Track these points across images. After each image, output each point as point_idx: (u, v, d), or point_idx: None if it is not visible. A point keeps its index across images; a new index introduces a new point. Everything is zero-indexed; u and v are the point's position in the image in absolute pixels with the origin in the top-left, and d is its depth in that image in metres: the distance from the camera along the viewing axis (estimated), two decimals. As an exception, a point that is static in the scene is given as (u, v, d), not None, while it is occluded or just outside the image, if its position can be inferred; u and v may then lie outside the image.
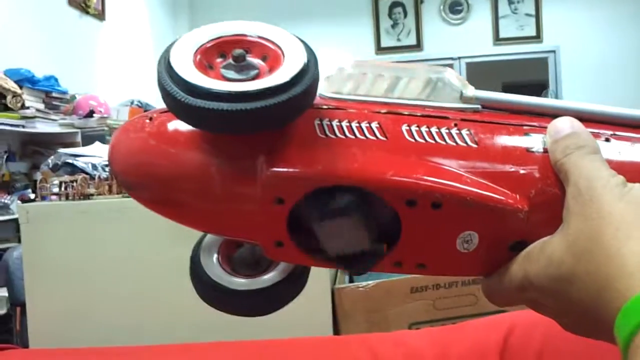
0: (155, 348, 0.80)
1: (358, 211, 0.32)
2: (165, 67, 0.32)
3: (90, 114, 2.68)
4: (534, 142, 0.33)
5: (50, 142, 2.55)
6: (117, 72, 3.77)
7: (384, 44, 4.94)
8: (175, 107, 0.31)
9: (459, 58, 4.96)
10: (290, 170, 0.31)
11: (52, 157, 1.38)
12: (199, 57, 0.32)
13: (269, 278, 0.39)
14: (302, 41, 0.33)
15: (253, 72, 0.32)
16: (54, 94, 2.57)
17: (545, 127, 0.33)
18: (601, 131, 0.34)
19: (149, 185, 0.35)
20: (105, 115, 2.73)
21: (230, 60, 0.32)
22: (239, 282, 0.39)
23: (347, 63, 0.36)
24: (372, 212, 0.32)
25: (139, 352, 0.79)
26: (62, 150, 1.43)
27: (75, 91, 2.80)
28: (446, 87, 0.35)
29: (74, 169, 1.33)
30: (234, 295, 0.38)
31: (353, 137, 0.32)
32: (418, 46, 4.92)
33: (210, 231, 0.39)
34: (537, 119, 0.34)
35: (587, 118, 0.34)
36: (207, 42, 0.33)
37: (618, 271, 0.26)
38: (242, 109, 0.30)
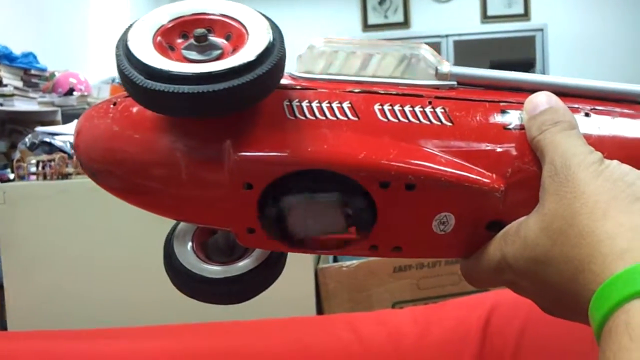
0: (136, 330, 0.80)
1: (330, 195, 0.31)
2: (124, 50, 0.30)
3: (70, 91, 2.62)
4: (511, 118, 0.32)
5: (29, 120, 2.49)
6: (97, 49, 3.69)
7: (370, 21, 4.89)
8: (135, 92, 0.30)
9: (447, 36, 4.93)
10: (258, 154, 0.30)
11: (29, 135, 1.35)
12: (159, 38, 0.31)
13: (243, 265, 0.37)
14: (267, 18, 0.32)
15: (216, 52, 0.31)
16: (32, 72, 2.50)
17: (523, 103, 0.32)
18: (580, 106, 0.33)
19: (114, 172, 0.33)
20: (85, 93, 2.68)
21: (192, 41, 0.31)
22: (214, 270, 0.37)
23: (318, 41, 0.34)
24: (346, 196, 0.31)
25: (119, 334, 0.78)
26: (39, 128, 1.40)
27: (54, 68, 2.73)
28: (421, 63, 0.34)
29: (52, 148, 1.30)
30: (209, 283, 0.37)
31: (324, 118, 0.31)
32: (405, 24, 4.88)
33: (179, 218, 0.37)
34: (515, 94, 0.33)
35: (566, 92, 0.33)
36: (167, 22, 0.32)
37: (593, 253, 0.25)
38: (204, 92, 0.28)
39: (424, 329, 0.73)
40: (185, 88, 0.28)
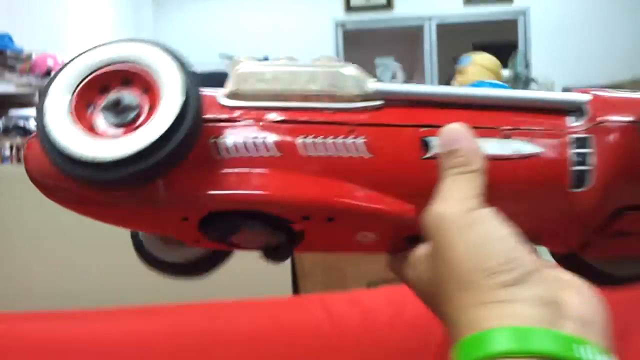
0: (111, 312, 0.80)
1: (259, 222, 0.33)
2: (40, 123, 0.31)
3: (48, 73, 2.57)
4: (428, 146, 0.33)
5: (6, 102, 2.45)
6: (75, 30, 3.62)
7: (353, 3, 4.85)
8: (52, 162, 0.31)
9: (430, 19, 4.92)
10: (186, 194, 0.32)
11: (3, 119, 1.33)
12: (76, 98, 0.31)
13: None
14: (178, 59, 0.32)
15: (132, 114, 0.31)
16: (8, 53, 2.45)
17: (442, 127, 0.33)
18: (504, 125, 0.33)
19: (60, 192, 0.34)
20: (64, 75, 2.63)
21: (107, 103, 0.31)
22: (175, 255, 0.40)
23: (245, 64, 0.34)
24: (274, 222, 0.33)
25: (96, 315, 0.78)
26: (13, 112, 1.38)
27: (31, 49, 2.68)
28: (346, 83, 0.34)
29: (26, 132, 1.28)
30: (173, 266, 0.40)
31: (247, 155, 0.32)
32: (389, 5, 4.85)
33: (130, 229, 0.39)
34: (440, 113, 0.33)
35: (494, 104, 0.33)
36: (82, 81, 0.32)
37: (451, 315, 0.28)
38: (114, 178, 0.29)
39: (397, 309, 0.74)
40: (100, 174, 0.29)
